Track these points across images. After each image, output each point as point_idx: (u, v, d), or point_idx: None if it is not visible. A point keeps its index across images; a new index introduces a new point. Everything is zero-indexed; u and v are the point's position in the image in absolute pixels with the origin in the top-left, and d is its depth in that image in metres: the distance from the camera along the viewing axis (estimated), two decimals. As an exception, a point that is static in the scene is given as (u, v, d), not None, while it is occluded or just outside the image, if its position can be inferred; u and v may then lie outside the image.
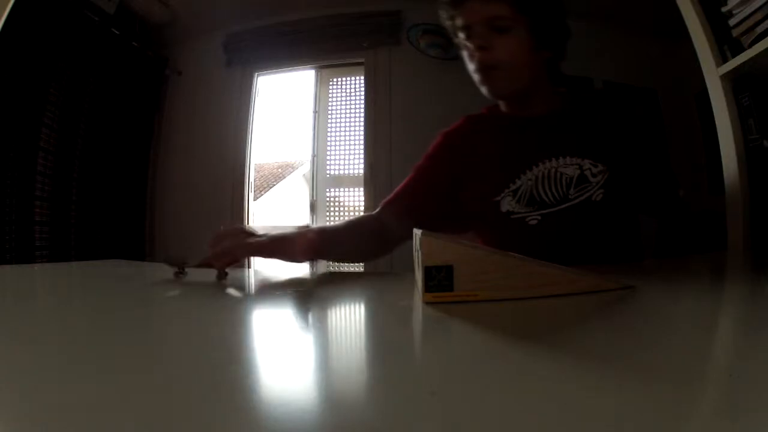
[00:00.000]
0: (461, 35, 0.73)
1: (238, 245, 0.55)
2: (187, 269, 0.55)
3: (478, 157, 0.78)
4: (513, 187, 0.73)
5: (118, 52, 2.11)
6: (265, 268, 0.73)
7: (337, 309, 0.41)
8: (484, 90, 0.74)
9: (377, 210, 0.81)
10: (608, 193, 0.70)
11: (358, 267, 2.41)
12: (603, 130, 0.75)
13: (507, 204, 0.73)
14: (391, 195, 0.82)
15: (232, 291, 0.50)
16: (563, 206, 0.71)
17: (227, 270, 0.54)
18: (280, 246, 0.56)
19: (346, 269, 2.30)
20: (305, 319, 0.36)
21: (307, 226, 0.63)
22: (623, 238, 0.78)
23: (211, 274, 0.54)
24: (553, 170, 0.72)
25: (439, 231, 0.77)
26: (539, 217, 0.72)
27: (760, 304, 0.35)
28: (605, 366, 0.21)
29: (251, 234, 0.58)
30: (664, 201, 0.83)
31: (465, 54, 0.74)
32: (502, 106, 0.80)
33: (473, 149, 0.79)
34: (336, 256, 0.76)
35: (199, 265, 0.57)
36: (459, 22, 0.72)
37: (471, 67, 0.73)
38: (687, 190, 0.84)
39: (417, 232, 0.39)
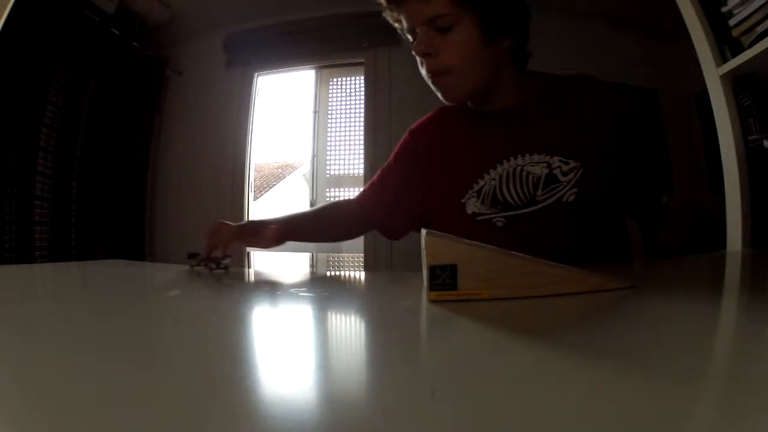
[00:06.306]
0: (410, 38, 0.67)
1: (221, 231, 0.69)
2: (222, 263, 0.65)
3: (444, 156, 0.74)
4: (476, 187, 0.69)
5: (118, 52, 2.11)
6: (264, 268, 0.73)
7: (343, 306, 0.41)
8: (439, 96, 0.68)
9: (355, 199, 0.83)
10: (582, 192, 0.65)
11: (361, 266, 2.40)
12: (577, 121, 0.68)
13: (472, 205, 0.69)
14: (361, 196, 0.83)
15: (236, 290, 0.50)
16: (531, 209, 0.66)
17: (223, 262, 0.65)
18: (249, 233, 0.71)
19: (354, 269, 2.29)
20: (309, 318, 0.36)
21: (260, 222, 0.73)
22: (606, 239, 0.71)
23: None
24: (519, 169, 0.66)
25: (403, 233, 0.82)
26: (504, 220, 0.67)
27: (759, 304, 0.35)
28: (607, 365, 0.21)
29: (227, 224, 0.71)
30: (644, 204, 0.75)
31: (417, 58, 0.67)
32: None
33: (438, 147, 0.75)
34: (303, 239, 0.84)
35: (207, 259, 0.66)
36: (405, 24, 0.66)
37: (422, 72, 0.67)
38: (673, 195, 0.74)
39: (423, 232, 0.39)
